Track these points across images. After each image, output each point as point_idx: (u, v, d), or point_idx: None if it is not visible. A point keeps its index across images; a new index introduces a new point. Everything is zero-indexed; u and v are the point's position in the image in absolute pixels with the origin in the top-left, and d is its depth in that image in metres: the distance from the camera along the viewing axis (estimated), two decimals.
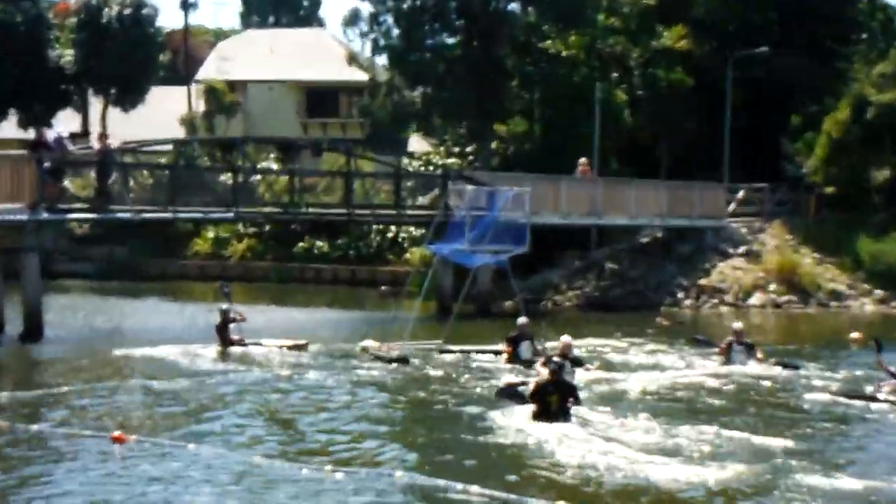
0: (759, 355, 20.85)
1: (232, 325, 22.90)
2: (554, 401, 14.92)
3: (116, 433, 13.42)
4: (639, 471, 12.46)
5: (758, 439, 13.98)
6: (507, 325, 23.03)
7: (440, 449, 13.51)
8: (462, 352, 22.41)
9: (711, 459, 12.86)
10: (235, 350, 22.48)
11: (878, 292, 36.20)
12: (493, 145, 43.44)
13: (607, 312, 34.37)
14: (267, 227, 47.37)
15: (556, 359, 15.88)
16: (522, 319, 21.49)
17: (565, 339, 18.48)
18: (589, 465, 12.74)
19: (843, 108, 40.86)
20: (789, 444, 13.68)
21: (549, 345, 19.30)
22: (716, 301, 36.02)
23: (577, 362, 18.74)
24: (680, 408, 16.31)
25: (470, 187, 30.88)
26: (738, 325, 21.59)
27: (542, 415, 14.90)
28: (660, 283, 37.34)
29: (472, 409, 15.83)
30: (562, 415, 14.90)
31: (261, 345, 22.72)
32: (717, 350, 21.38)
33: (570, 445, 13.60)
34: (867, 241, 37.47)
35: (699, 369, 20.49)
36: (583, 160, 36.42)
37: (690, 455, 13.04)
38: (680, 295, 36.44)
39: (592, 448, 13.36)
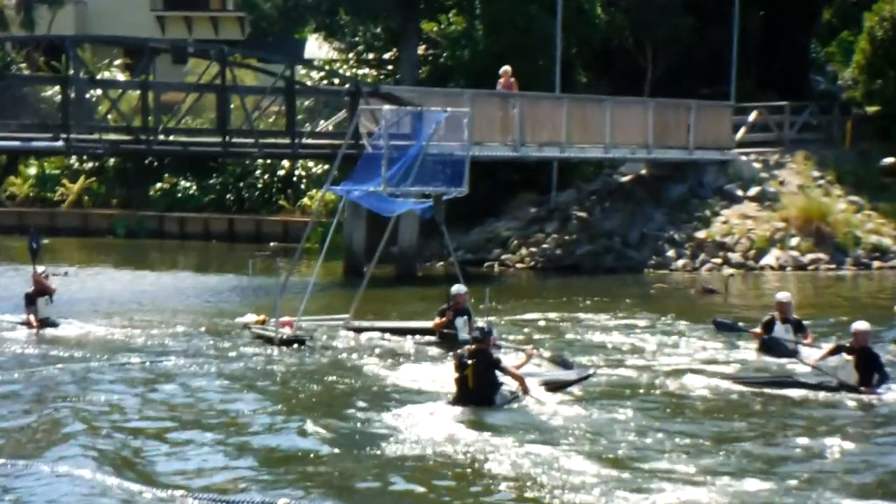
0: (808, 340, 20.25)
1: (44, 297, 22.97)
2: (469, 376, 15.69)
3: None
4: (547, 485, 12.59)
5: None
6: (439, 294, 23.02)
7: (331, 464, 13.49)
8: (377, 329, 22.42)
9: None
10: (54, 331, 22.50)
11: None
12: (420, 51, 43.26)
13: (573, 276, 34.60)
14: (111, 162, 46.82)
15: (482, 323, 16.59)
16: (459, 288, 21.51)
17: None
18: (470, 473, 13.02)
19: None
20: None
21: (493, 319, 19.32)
22: (718, 261, 36.37)
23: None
24: (656, 410, 16.38)
25: (388, 108, 30.68)
26: (784, 295, 20.92)
27: (458, 399, 15.82)
28: (643, 238, 37.66)
29: (383, 412, 15.81)
30: (480, 398, 15.66)
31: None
32: (750, 332, 20.93)
33: (471, 446, 13.92)
34: None
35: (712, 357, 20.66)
36: (504, 69, 36.23)
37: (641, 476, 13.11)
38: (670, 253, 36.76)
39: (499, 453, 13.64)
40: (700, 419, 15.76)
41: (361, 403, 16.38)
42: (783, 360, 19.25)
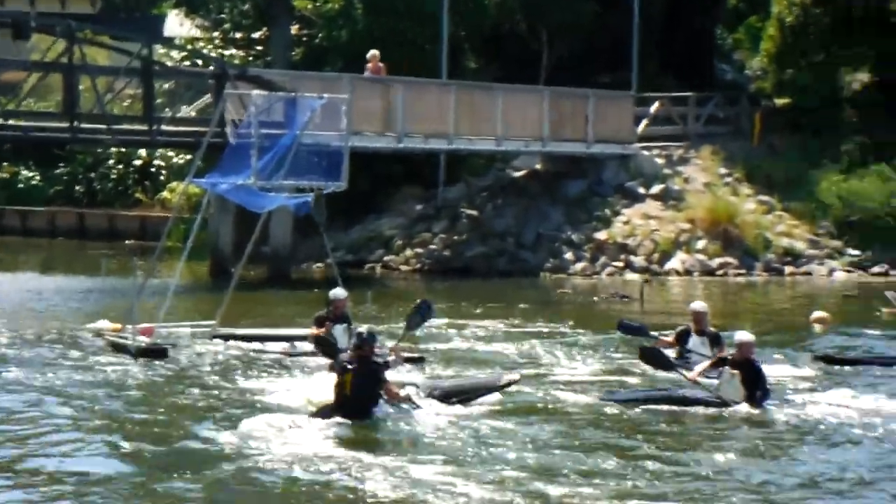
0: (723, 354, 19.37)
1: None
2: (347, 383, 15.66)
3: None
4: None
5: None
6: (316, 298, 22.78)
7: (147, 488, 13.08)
8: (246, 338, 22.08)
9: None
10: None
11: (853, 252, 37.39)
12: (293, 30, 42.97)
13: (463, 280, 34.54)
14: None
15: (361, 329, 16.34)
16: (339, 292, 21.25)
17: None
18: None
19: None
20: None
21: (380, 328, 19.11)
22: (620, 265, 36.52)
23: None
24: (547, 426, 16.15)
25: (258, 93, 30.34)
26: (699, 305, 20.71)
27: (334, 409, 15.73)
28: (539, 238, 37.68)
29: (239, 429, 15.41)
30: (358, 408, 15.63)
31: None
32: (660, 340, 20.58)
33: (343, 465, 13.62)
34: (836, 179, 38.59)
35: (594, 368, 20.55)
36: (372, 52, 35.91)
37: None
38: (568, 255, 36.81)
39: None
40: (590, 437, 15.52)
41: (215, 420, 15.82)
42: (669, 374, 19.06)
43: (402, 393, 16.49)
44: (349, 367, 15.80)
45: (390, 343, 18.71)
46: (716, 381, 17.46)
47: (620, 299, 30.68)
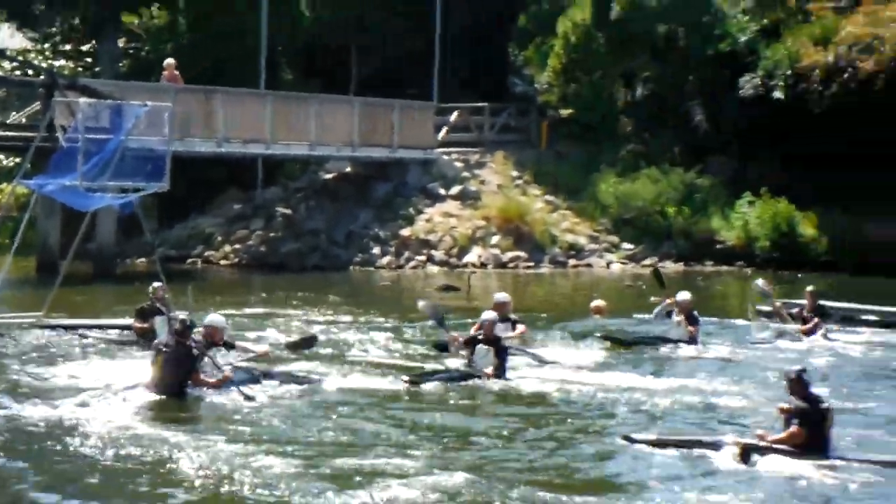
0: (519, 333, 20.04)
1: None
2: (160, 365, 15.53)
3: None
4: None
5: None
6: (139, 292, 22.06)
7: None
8: (70, 327, 21.34)
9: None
10: None
11: (627, 246, 37.84)
12: (121, 43, 42.02)
13: (278, 274, 34.15)
14: None
15: (183, 316, 16.31)
16: (158, 285, 20.74)
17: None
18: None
19: (584, 4, 42.25)
20: None
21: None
22: (422, 258, 36.47)
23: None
24: (349, 405, 15.86)
25: (85, 100, 29.50)
26: (502, 295, 20.71)
27: (149, 389, 15.58)
28: (350, 236, 37.45)
29: (70, 410, 14.84)
30: (171, 390, 15.48)
31: None
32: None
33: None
34: (613, 181, 39.06)
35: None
36: (168, 61, 34.78)
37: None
38: (376, 251, 36.67)
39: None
40: (390, 413, 15.37)
41: (34, 400, 15.27)
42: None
43: (213, 380, 16.06)
44: (163, 349, 15.62)
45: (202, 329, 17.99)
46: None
47: (447, 290, 30.31)
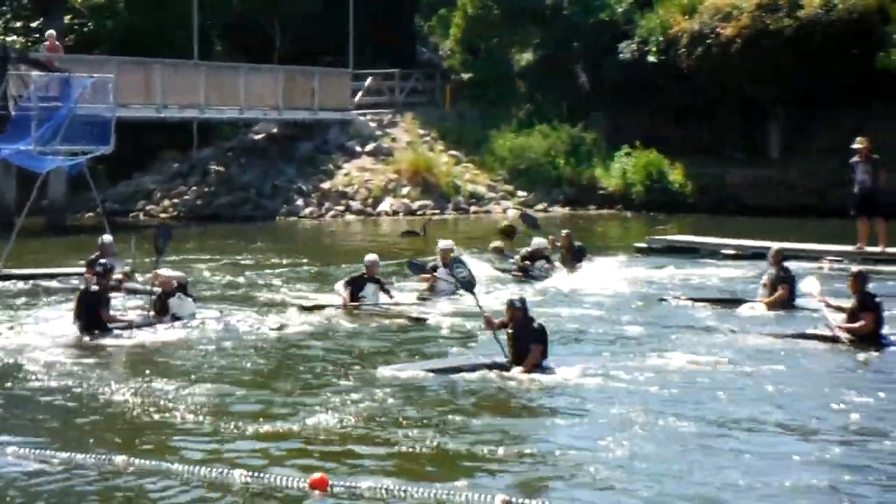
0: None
1: None
2: (79, 304, 15.72)
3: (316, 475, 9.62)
4: None
5: None
6: (88, 242, 22.35)
7: None
8: (26, 277, 21.48)
9: None
10: None
11: (522, 193, 38.52)
12: (67, 20, 41.65)
13: (213, 224, 34.42)
14: None
15: (104, 261, 16.60)
16: (106, 238, 20.82)
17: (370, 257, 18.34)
18: None
19: None
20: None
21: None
22: (341, 208, 36.82)
23: None
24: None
25: (37, 73, 29.52)
26: (446, 243, 19.86)
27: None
28: (276, 189, 37.69)
29: (20, 347, 15.16)
30: (89, 325, 15.57)
31: None
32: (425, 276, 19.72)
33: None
34: (509, 136, 39.67)
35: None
36: (49, 32, 33.28)
37: None
38: (299, 202, 36.95)
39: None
40: (308, 348, 15.29)
41: None
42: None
43: (126, 319, 16.20)
44: (83, 289, 16.12)
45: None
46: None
47: (408, 235, 30.13)
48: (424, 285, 19.63)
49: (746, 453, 10.21)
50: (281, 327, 16.40)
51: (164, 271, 17.33)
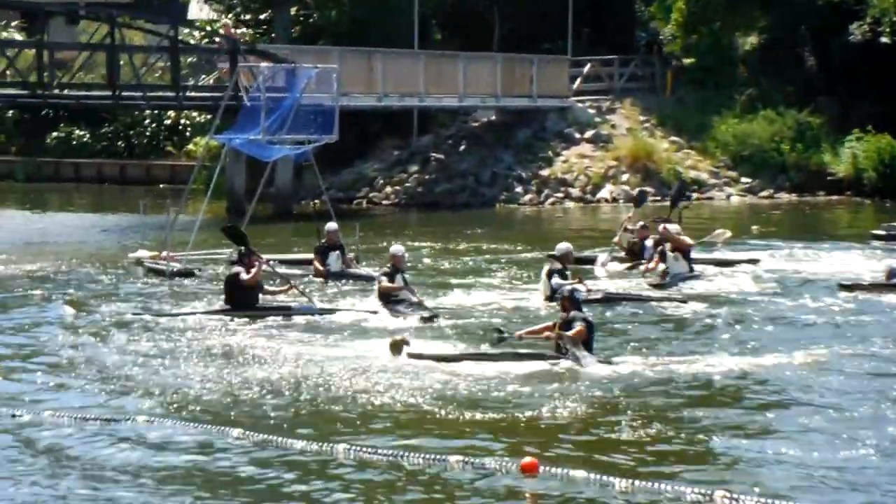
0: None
1: None
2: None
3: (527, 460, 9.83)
4: None
5: None
6: (311, 229, 22.87)
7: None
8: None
9: None
10: None
11: (745, 180, 37.76)
12: (293, 12, 42.75)
13: (433, 211, 34.84)
14: (10, 114, 45.83)
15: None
16: (331, 225, 21.31)
17: (396, 249, 18.14)
18: None
19: None
20: None
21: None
22: (560, 195, 36.81)
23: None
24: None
25: (265, 64, 30.40)
26: (398, 248, 18.22)
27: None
28: (494, 176, 37.89)
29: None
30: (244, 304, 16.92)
31: None
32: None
33: None
34: (732, 122, 38.91)
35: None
36: (224, 21, 34.19)
37: None
38: (518, 189, 37.10)
39: None
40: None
41: None
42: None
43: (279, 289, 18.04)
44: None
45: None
46: None
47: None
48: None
49: None
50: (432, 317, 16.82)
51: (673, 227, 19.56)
